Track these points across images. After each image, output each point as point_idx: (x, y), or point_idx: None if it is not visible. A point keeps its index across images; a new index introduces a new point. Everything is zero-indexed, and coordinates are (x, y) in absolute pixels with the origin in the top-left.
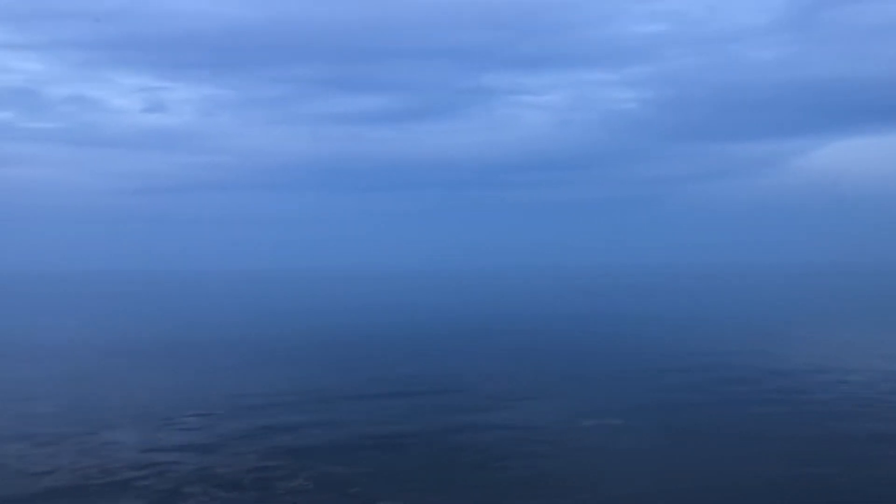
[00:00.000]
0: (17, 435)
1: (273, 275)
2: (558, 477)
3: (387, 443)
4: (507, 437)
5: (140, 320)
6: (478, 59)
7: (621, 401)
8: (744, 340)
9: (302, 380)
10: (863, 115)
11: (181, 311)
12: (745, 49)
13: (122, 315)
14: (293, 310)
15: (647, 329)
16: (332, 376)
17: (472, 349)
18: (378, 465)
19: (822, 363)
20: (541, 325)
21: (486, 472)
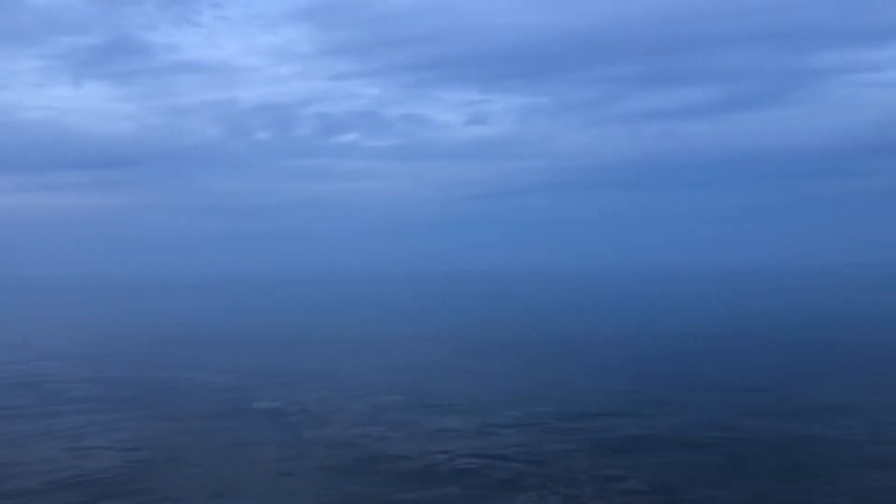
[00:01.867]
0: (374, 420)
1: (594, 274)
2: None
3: (715, 444)
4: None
5: (467, 315)
6: (803, 40)
7: None
8: None
9: (631, 378)
10: None
11: (513, 307)
12: None
13: (455, 309)
14: (641, 310)
15: None
16: (665, 375)
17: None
18: (714, 472)
19: None
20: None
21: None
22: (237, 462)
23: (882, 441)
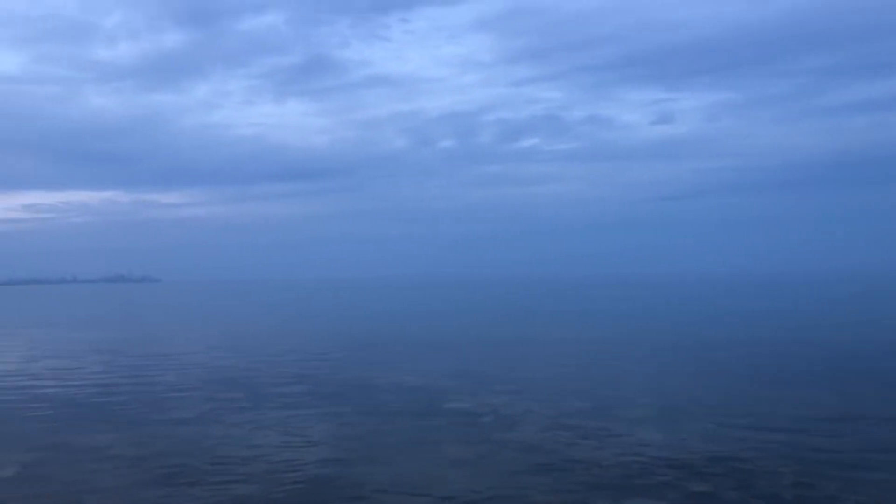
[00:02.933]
0: (562, 425)
1: (788, 277)
2: None
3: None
4: None
5: (654, 319)
6: None
7: None
8: None
9: (835, 392)
10: None
11: (701, 312)
12: None
13: (640, 313)
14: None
15: None
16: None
17: None
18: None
19: None
20: None
21: None
22: (432, 460)
23: None
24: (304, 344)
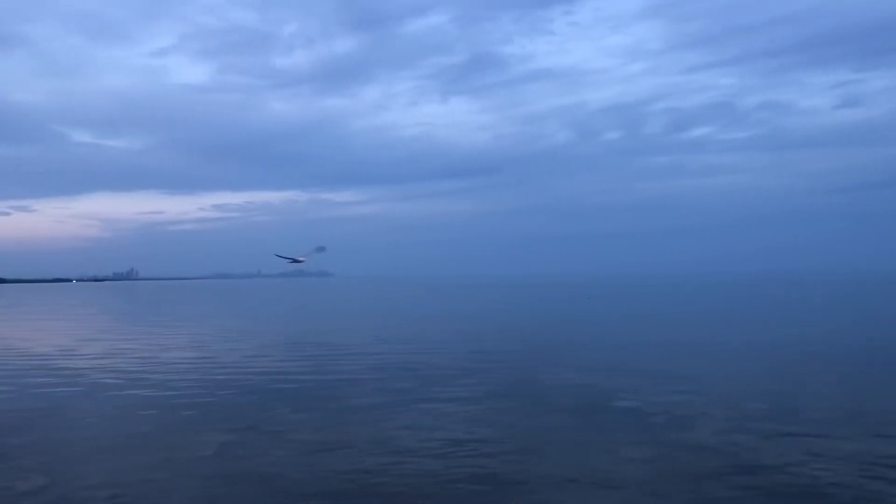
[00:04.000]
0: (739, 428)
1: None
2: None
3: None
4: None
5: (837, 319)
6: None
7: None
8: None
9: None
10: None
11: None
12: None
13: (822, 312)
14: None
15: None
16: None
17: None
18: None
19: None
20: None
21: None
22: (603, 459)
23: None
24: (472, 339)
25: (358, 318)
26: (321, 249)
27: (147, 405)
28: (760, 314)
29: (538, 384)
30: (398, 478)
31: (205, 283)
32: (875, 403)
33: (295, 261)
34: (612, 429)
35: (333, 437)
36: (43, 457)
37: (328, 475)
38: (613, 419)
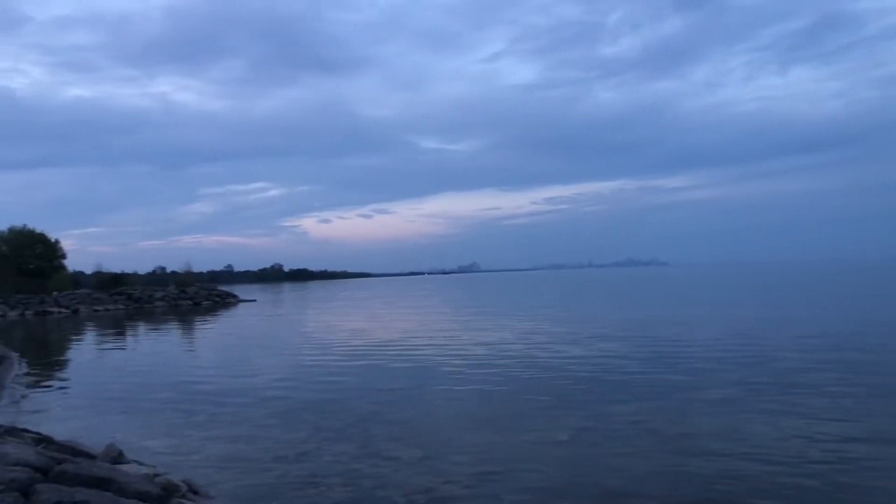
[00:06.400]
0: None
1: None
2: None
3: None
4: None
5: None
6: None
7: None
8: None
9: None
10: None
11: None
12: None
13: None
14: None
15: None
16: None
17: None
18: None
19: None
20: None
21: None
22: None
23: None
24: (832, 328)
25: (696, 308)
26: None
27: (496, 390)
28: None
29: None
30: (736, 471)
31: (539, 274)
32: None
33: None
34: None
35: (683, 428)
36: (416, 430)
37: (670, 462)
38: None
